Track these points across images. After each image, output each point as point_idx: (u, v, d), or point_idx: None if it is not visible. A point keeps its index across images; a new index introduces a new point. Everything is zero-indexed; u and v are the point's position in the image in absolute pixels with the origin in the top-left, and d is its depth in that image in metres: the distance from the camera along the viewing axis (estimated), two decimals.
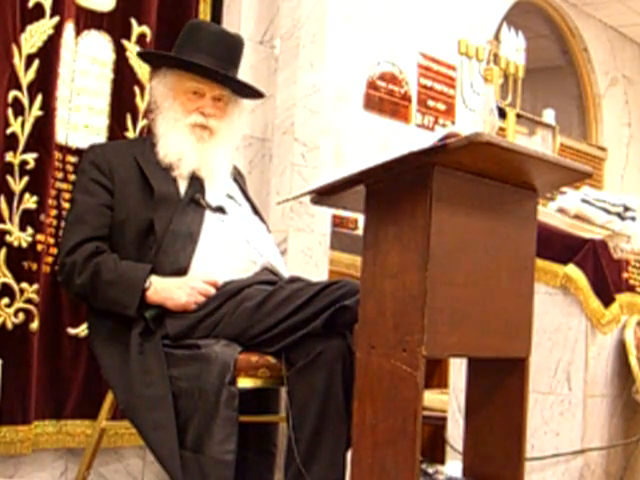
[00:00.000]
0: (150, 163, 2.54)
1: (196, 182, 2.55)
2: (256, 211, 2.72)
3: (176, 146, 2.53)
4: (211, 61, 2.53)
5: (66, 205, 2.78)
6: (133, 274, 2.41)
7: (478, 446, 2.23)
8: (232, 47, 2.62)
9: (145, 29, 3.06)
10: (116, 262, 2.43)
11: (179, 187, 2.53)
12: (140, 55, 2.85)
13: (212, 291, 2.39)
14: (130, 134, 3.01)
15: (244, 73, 3.28)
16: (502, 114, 4.22)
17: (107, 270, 2.41)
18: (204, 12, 3.30)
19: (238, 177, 2.79)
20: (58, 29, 2.77)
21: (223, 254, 2.48)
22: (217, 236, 2.49)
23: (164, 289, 2.39)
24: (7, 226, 2.68)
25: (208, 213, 2.51)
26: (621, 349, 2.92)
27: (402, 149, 1.90)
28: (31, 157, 2.71)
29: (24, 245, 2.70)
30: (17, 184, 2.69)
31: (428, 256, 1.88)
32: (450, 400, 3.12)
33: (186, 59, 2.54)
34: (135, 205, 2.49)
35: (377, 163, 1.94)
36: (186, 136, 2.54)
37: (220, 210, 2.54)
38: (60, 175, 2.84)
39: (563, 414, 2.84)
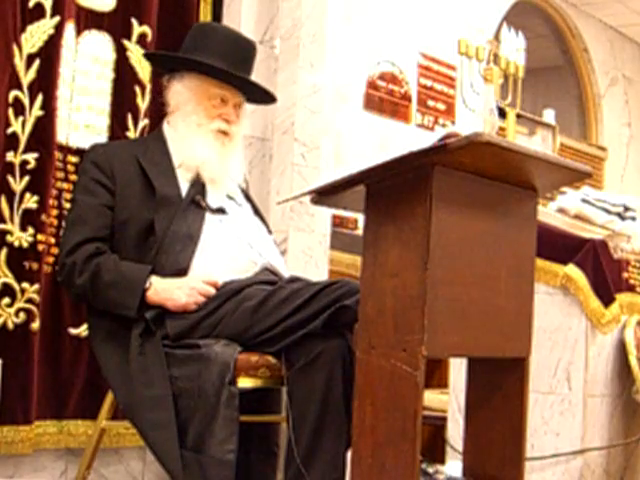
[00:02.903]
0: (152, 163, 2.54)
1: (198, 183, 2.55)
2: (257, 212, 2.72)
3: (200, 151, 2.54)
4: (229, 66, 2.54)
5: (67, 205, 2.78)
6: (133, 275, 2.41)
7: (478, 446, 2.23)
8: (246, 52, 2.62)
9: (146, 29, 3.06)
10: (116, 263, 2.43)
11: (181, 188, 2.53)
12: (150, 57, 2.84)
13: (212, 291, 2.39)
14: (131, 134, 3.02)
15: None
16: (502, 114, 4.23)
17: (107, 271, 2.41)
18: (204, 12, 3.31)
19: (243, 182, 2.80)
20: (59, 29, 2.78)
21: (223, 255, 2.48)
22: (217, 237, 2.49)
23: (164, 290, 2.39)
24: (8, 226, 2.68)
25: (208, 214, 2.51)
26: (621, 349, 2.92)
27: (402, 149, 1.90)
28: (32, 157, 2.72)
29: (25, 245, 2.70)
30: (18, 184, 2.70)
31: (428, 256, 1.88)
32: (450, 400, 3.12)
33: (215, 65, 2.53)
34: (136, 205, 2.49)
35: (377, 163, 1.94)
36: (211, 141, 2.55)
37: (220, 211, 2.54)
38: (61, 175, 2.84)
39: (563, 414, 2.84)
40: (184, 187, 2.53)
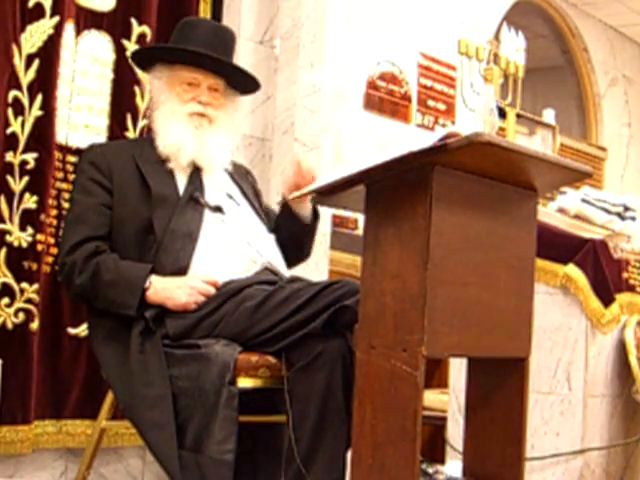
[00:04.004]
0: (148, 162, 2.54)
1: (195, 179, 2.55)
2: (262, 209, 2.70)
3: (175, 136, 2.53)
4: (204, 50, 2.53)
5: (66, 205, 2.78)
6: (133, 274, 2.41)
7: (478, 446, 2.23)
8: (224, 39, 2.61)
9: (145, 29, 3.06)
10: (116, 262, 2.43)
11: (178, 185, 2.53)
12: (133, 57, 2.79)
13: (212, 291, 2.39)
14: (130, 134, 3.02)
15: None
16: (502, 114, 4.21)
17: (107, 270, 2.41)
18: (204, 12, 3.31)
19: (247, 175, 2.78)
20: (58, 29, 2.78)
21: (223, 253, 2.47)
22: (217, 235, 2.48)
23: (164, 289, 2.39)
24: (7, 226, 2.68)
25: (207, 212, 2.51)
26: (621, 349, 2.92)
27: (402, 149, 1.90)
28: (31, 157, 2.72)
29: (24, 245, 2.70)
30: (17, 184, 2.70)
31: (428, 256, 1.88)
32: (450, 400, 3.12)
33: (178, 46, 2.54)
34: (134, 205, 2.48)
35: (377, 163, 1.94)
36: (184, 124, 2.54)
37: (218, 210, 2.53)
38: (60, 175, 2.84)
39: (563, 414, 2.84)
40: (181, 185, 2.53)
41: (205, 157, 2.55)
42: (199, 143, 2.54)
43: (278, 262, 2.59)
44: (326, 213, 3.45)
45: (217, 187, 2.59)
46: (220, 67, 2.58)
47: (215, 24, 2.67)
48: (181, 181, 2.54)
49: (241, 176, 2.76)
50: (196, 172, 2.56)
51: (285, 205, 2.69)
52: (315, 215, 2.73)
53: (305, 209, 2.69)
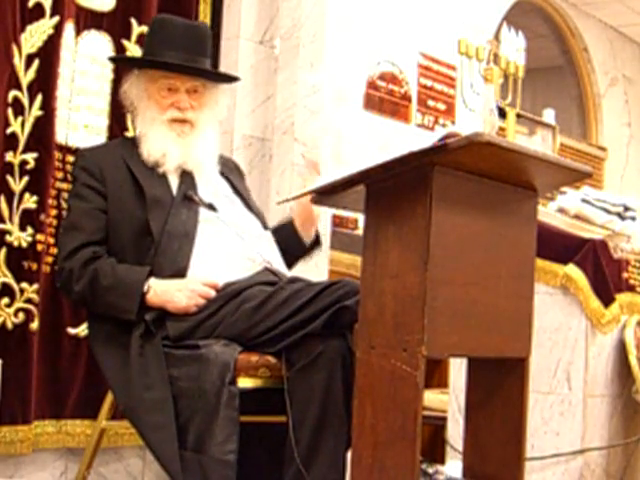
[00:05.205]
0: (139, 164, 2.53)
1: (187, 178, 2.55)
2: (253, 205, 2.70)
3: (158, 144, 2.53)
4: (179, 55, 2.52)
5: (66, 205, 2.78)
6: (131, 278, 2.40)
7: (478, 446, 2.23)
8: (198, 38, 2.59)
9: (145, 29, 3.06)
10: (114, 266, 2.42)
11: (171, 185, 2.52)
12: (112, 61, 2.84)
13: (212, 293, 2.39)
14: (130, 134, 3.01)
15: (244, 73, 3.28)
16: (502, 114, 4.22)
17: (105, 275, 2.40)
18: (204, 12, 3.31)
19: (235, 171, 2.78)
20: (58, 29, 2.78)
21: (221, 253, 2.47)
22: (214, 235, 2.48)
23: (164, 292, 2.38)
24: (7, 226, 2.68)
25: (203, 211, 2.50)
26: (621, 349, 2.92)
27: (402, 149, 1.90)
28: (31, 157, 2.72)
29: (24, 245, 2.70)
30: (17, 184, 2.70)
31: (428, 256, 1.88)
32: (450, 400, 3.12)
33: (153, 59, 2.54)
34: (129, 206, 2.48)
35: (377, 163, 1.94)
36: (166, 132, 2.53)
37: (213, 208, 2.52)
38: (60, 175, 2.84)
39: (563, 414, 2.84)
40: (174, 184, 2.53)
41: (192, 161, 2.55)
42: (183, 149, 2.54)
43: (277, 261, 2.58)
44: (326, 213, 3.44)
45: (210, 185, 2.58)
46: (194, 72, 2.57)
47: (187, 22, 2.66)
48: (173, 181, 2.54)
49: (230, 170, 2.75)
50: (187, 171, 2.56)
51: (291, 224, 2.72)
52: (316, 242, 2.75)
53: (309, 234, 2.73)
